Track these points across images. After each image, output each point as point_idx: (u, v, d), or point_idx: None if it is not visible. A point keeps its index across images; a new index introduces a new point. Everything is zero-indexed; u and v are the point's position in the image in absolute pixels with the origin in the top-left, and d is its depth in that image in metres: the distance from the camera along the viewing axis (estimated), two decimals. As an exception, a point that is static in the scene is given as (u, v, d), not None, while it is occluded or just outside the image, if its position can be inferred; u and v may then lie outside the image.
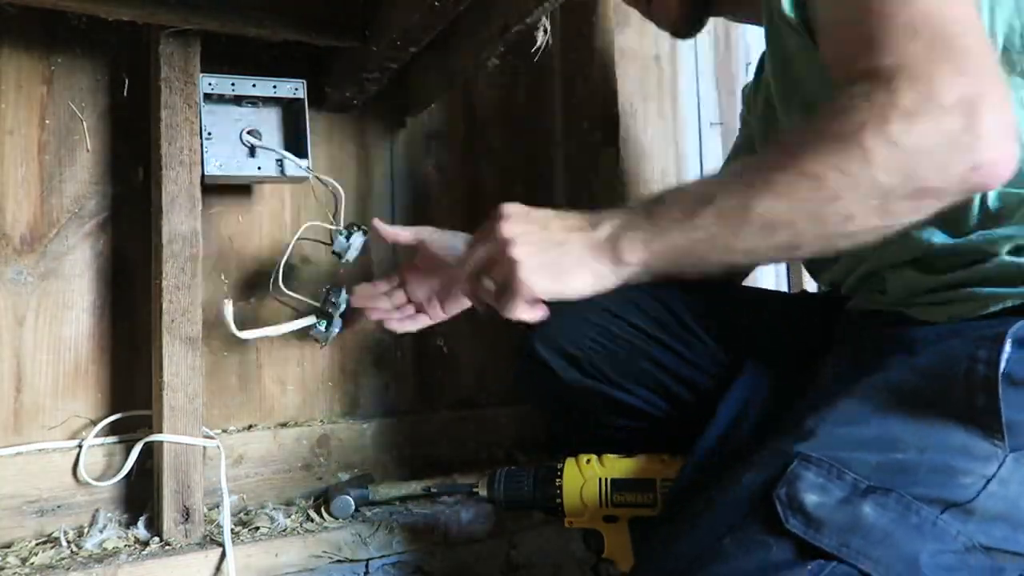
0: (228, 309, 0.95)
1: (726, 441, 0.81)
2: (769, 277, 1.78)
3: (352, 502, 1.06)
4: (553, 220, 0.70)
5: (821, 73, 0.69)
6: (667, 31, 1.01)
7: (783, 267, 1.83)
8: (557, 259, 0.68)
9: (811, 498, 0.60)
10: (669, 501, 0.81)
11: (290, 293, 1.06)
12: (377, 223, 1.02)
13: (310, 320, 1.05)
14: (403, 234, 1.02)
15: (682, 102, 1.61)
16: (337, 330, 1.08)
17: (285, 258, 1.06)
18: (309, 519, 1.05)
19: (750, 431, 0.81)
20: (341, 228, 1.05)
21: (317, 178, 1.10)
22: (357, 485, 1.10)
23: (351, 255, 1.05)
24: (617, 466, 0.88)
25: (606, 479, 0.88)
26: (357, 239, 1.04)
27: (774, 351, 0.89)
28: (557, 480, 0.89)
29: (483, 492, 0.94)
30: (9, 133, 1.01)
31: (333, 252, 1.05)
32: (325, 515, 1.06)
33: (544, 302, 0.71)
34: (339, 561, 1.01)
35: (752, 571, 0.59)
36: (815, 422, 0.67)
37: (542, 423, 1.37)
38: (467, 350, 1.35)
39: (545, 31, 1.40)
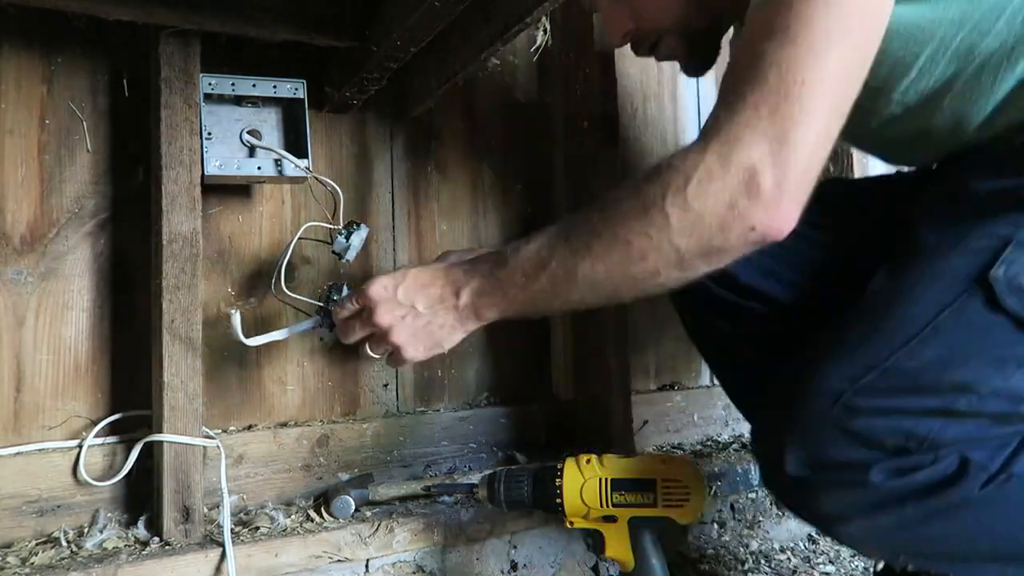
0: (236, 319, 0.95)
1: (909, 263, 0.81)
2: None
3: (352, 502, 1.06)
4: (418, 296, 0.82)
5: None
6: (684, 73, 1.00)
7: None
8: (430, 334, 0.82)
9: None
10: (849, 311, 0.80)
11: (291, 294, 1.06)
12: None
13: (313, 322, 1.05)
14: None
15: (682, 102, 1.61)
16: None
17: (286, 258, 1.06)
18: (309, 519, 1.05)
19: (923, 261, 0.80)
20: (340, 228, 1.05)
21: (316, 178, 1.10)
22: (357, 485, 1.10)
23: (351, 255, 1.05)
24: (617, 466, 0.89)
25: (606, 479, 0.88)
26: (356, 238, 1.04)
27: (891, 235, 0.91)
28: (557, 480, 0.90)
29: (483, 493, 0.94)
30: (9, 133, 1.01)
31: (333, 252, 1.05)
32: (325, 515, 1.06)
33: None
34: (339, 561, 1.01)
35: (971, 342, 0.64)
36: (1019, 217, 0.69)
37: (542, 423, 1.37)
38: (467, 350, 1.35)
39: (545, 31, 1.41)
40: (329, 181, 1.12)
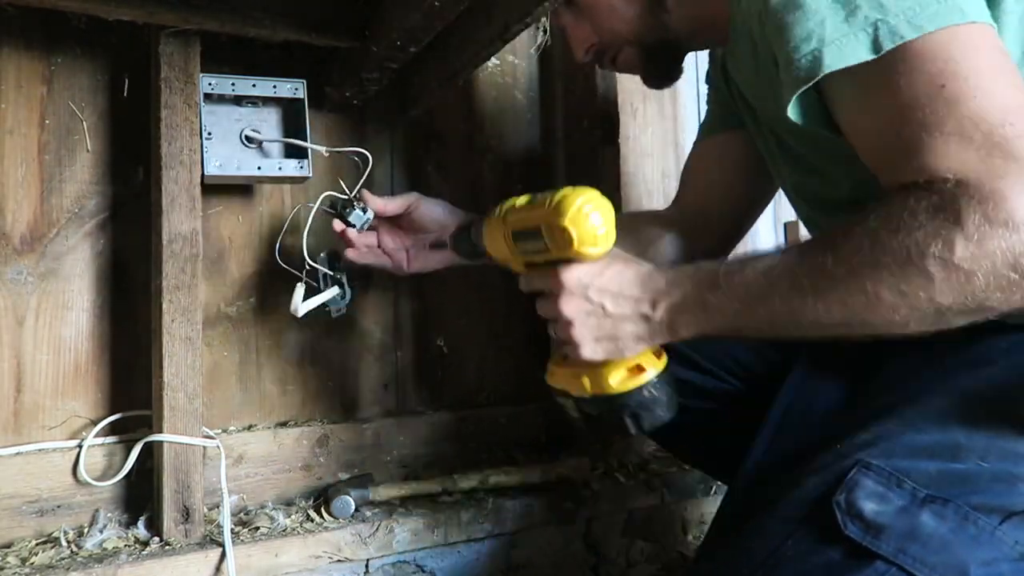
0: (299, 290, 1.00)
1: (785, 437, 0.82)
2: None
3: (352, 502, 1.06)
4: (610, 299, 0.75)
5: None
6: (645, 84, 1.03)
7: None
8: (614, 338, 0.75)
9: (870, 506, 0.61)
10: (727, 504, 0.81)
11: (315, 265, 1.08)
12: (367, 195, 1.06)
13: (335, 291, 1.07)
14: (391, 206, 1.07)
15: (682, 102, 1.61)
16: (350, 297, 1.10)
17: (307, 227, 1.06)
18: (309, 519, 1.05)
19: (809, 427, 0.81)
20: (354, 198, 1.07)
21: (339, 152, 1.10)
22: (357, 485, 1.10)
23: (365, 226, 1.07)
24: (515, 216, 0.80)
25: (507, 232, 0.80)
26: (371, 212, 1.07)
27: (834, 342, 0.90)
28: (479, 232, 0.85)
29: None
30: (9, 133, 1.01)
31: (348, 223, 1.06)
32: (325, 515, 1.06)
33: None
34: (339, 561, 1.01)
35: (811, 574, 0.61)
36: (876, 427, 0.68)
37: (542, 423, 1.37)
38: (467, 350, 1.35)
39: (545, 31, 1.41)
40: (354, 149, 1.11)
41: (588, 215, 0.71)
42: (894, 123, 0.63)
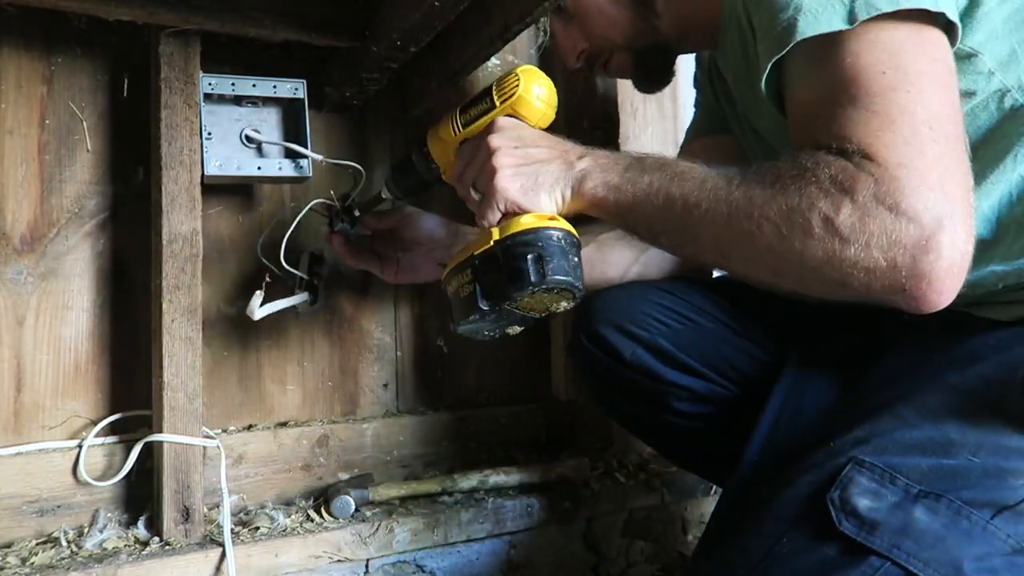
0: (256, 298, 1.00)
1: (778, 438, 0.82)
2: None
3: (352, 502, 1.06)
4: (540, 139, 0.79)
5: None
6: (636, 89, 1.03)
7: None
8: (533, 175, 0.76)
9: (864, 502, 0.62)
10: (723, 504, 0.81)
11: (290, 268, 1.08)
12: (361, 214, 1.05)
13: (302, 297, 1.08)
14: (382, 223, 1.07)
15: (682, 102, 1.61)
16: (321, 302, 1.11)
17: (289, 231, 1.06)
18: (309, 519, 1.05)
19: (802, 427, 0.82)
20: (346, 206, 1.06)
21: (334, 163, 1.10)
22: (357, 485, 1.10)
23: (355, 233, 1.07)
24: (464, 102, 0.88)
25: (454, 113, 0.88)
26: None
27: (823, 342, 0.90)
28: (425, 149, 0.91)
29: (386, 194, 0.97)
30: (9, 133, 1.01)
31: (336, 231, 1.05)
32: (325, 515, 1.06)
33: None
34: (339, 561, 1.01)
35: (807, 571, 0.62)
36: (869, 425, 0.68)
37: (542, 423, 1.37)
38: (467, 350, 1.35)
39: (545, 31, 1.41)
40: (349, 163, 1.10)
41: (537, 74, 0.82)
42: (830, 94, 0.64)
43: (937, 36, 0.64)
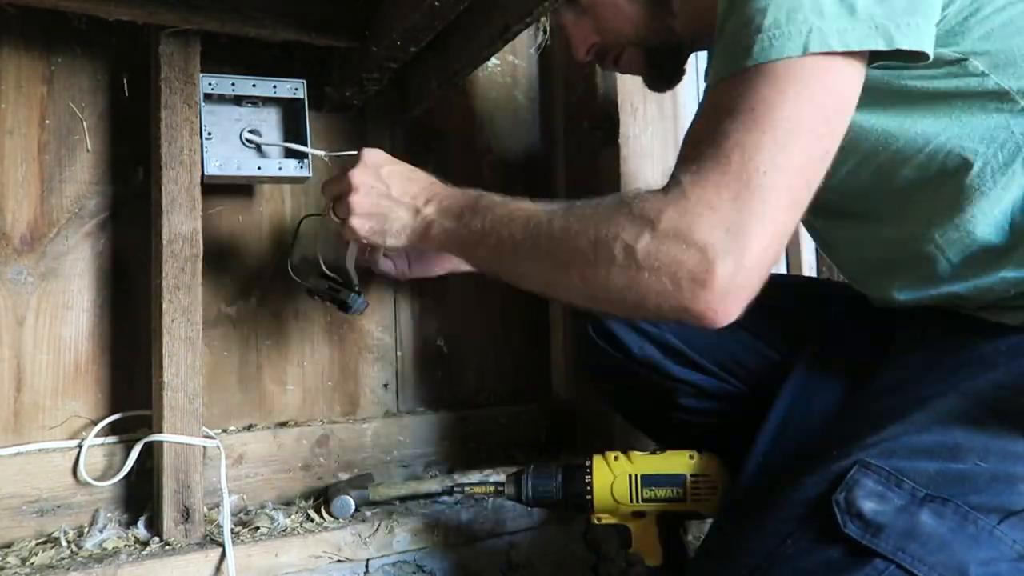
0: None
1: (784, 438, 0.82)
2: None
3: (352, 502, 1.06)
4: (397, 184, 0.84)
5: None
6: (647, 87, 1.02)
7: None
8: (381, 220, 0.84)
9: (869, 505, 0.62)
10: (728, 503, 0.82)
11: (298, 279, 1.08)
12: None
13: (352, 294, 1.06)
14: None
15: (682, 102, 1.61)
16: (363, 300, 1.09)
17: (320, 239, 1.07)
18: (309, 519, 1.05)
19: (809, 428, 0.82)
20: None
21: (337, 156, 1.08)
22: (357, 485, 1.10)
23: None
24: (646, 462, 0.89)
25: (636, 475, 0.88)
26: None
27: (833, 343, 0.90)
28: (587, 477, 0.90)
29: (510, 490, 0.94)
30: (9, 133, 1.01)
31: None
32: (325, 515, 1.06)
33: None
34: (339, 561, 1.01)
35: (811, 572, 0.61)
36: (877, 428, 0.68)
37: (542, 423, 1.37)
38: (467, 350, 1.35)
39: (545, 31, 1.41)
40: (351, 152, 1.08)
41: None
42: (699, 119, 0.67)
43: (852, 74, 0.64)
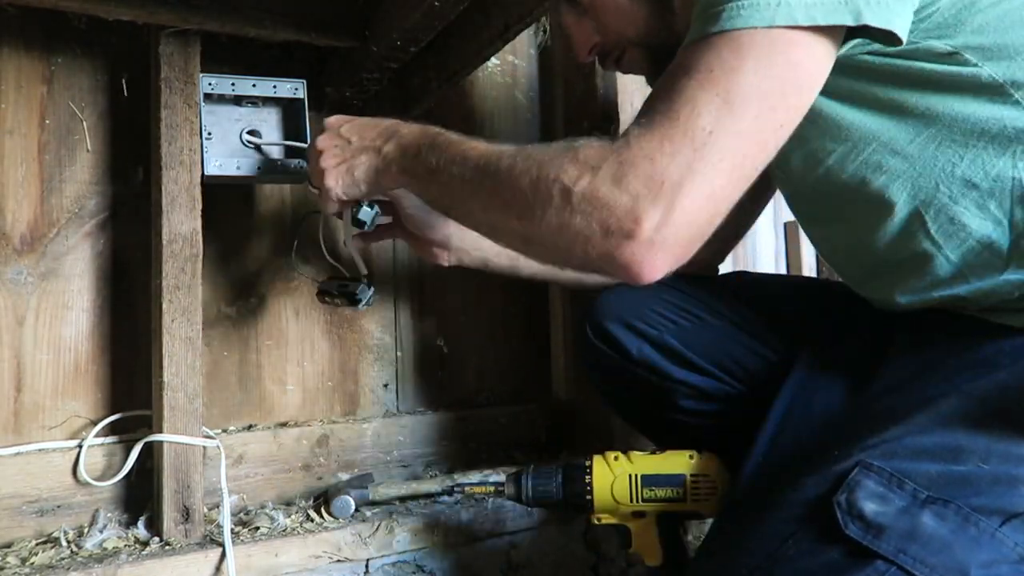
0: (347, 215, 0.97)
1: (784, 439, 0.82)
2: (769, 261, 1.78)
3: (352, 502, 1.06)
4: (357, 134, 0.86)
5: None
6: (650, 87, 1.02)
7: (782, 250, 1.84)
8: (349, 171, 0.85)
9: (871, 506, 0.62)
10: (728, 503, 0.81)
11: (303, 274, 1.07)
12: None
13: (361, 285, 1.04)
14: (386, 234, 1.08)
15: (682, 102, 1.61)
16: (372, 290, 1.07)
17: (345, 237, 1.03)
18: (309, 519, 1.05)
19: (809, 428, 0.81)
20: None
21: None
22: (357, 485, 1.10)
23: (374, 223, 1.04)
24: (646, 462, 0.89)
25: (636, 475, 0.88)
26: (378, 208, 1.04)
27: (834, 343, 0.90)
28: (586, 477, 0.90)
29: (510, 490, 0.94)
30: (9, 133, 1.01)
31: (358, 221, 1.03)
32: (325, 515, 1.06)
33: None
34: (339, 561, 1.01)
35: (812, 573, 0.61)
36: (878, 429, 0.68)
37: (542, 423, 1.37)
38: (467, 350, 1.35)
39: (545, 30, 1.41)
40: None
41: None
42: (664, 80, 0.66)
43: (820, 51, 0.63)
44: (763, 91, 0.61)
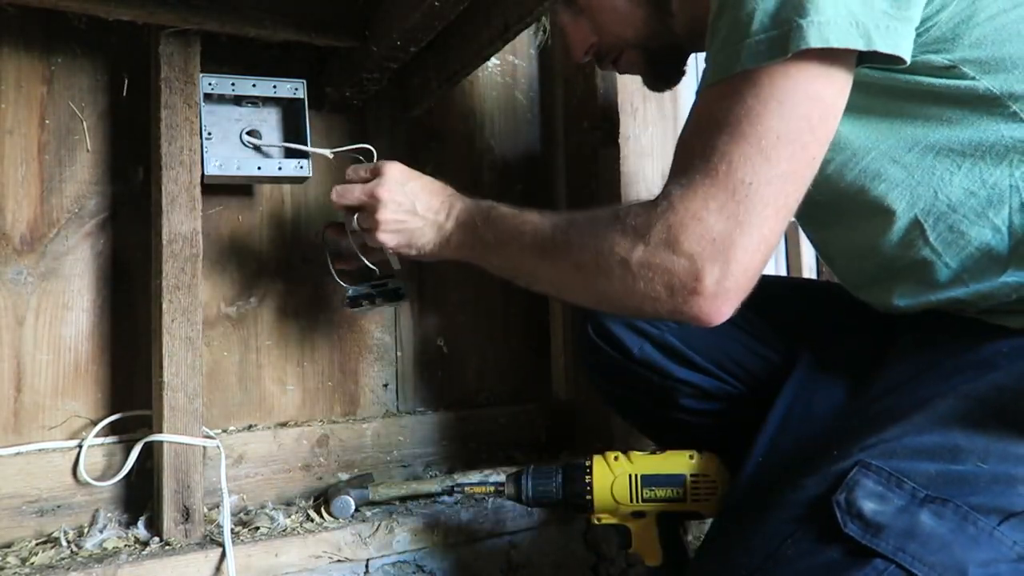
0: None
1: (785, 439, 0.82)
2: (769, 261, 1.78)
3: (352, 502, 1.06)
4: (421, 198, 0.90)
5: None
6: (647, 87, 1.02)
7: (782, 251, 1.83)
8: (408, 235, 0.90)
9: (870, 505, 0.62)
10: (728, 503, 0.81)
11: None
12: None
13: (399, 282, 1.07)
14: None
15: (682, 102, 1.61)
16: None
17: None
18: (309, 519, 1.05)
19: (810, 428, 0.82)
20: None
21: (342, 154, 1.05)
22: (357, 485, 1.10)
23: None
24: (646, 462, 0.89)
25: (636, 475, 0.88)
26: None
27: (834, 344, 0.90)
28: (586, 477, 0.90)
29: (509, 489, 0.94)
30: (9, 133, 1.01)
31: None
32: (325, 515, 1.06)
33: None
34: (339, 561, 1.01)
35: (812, 572, 0.62)
36: (877, 429, 0.68)
37: (542, 423, 1.37)
38: (467, 350, 1.35)
39: (545, 30, 1.41)
40: (359, 145, 1.04)
41: None
42: (690, 129, 0.70)
43: (837, 78, 0.65)
44: (792, 133, 0.64)
